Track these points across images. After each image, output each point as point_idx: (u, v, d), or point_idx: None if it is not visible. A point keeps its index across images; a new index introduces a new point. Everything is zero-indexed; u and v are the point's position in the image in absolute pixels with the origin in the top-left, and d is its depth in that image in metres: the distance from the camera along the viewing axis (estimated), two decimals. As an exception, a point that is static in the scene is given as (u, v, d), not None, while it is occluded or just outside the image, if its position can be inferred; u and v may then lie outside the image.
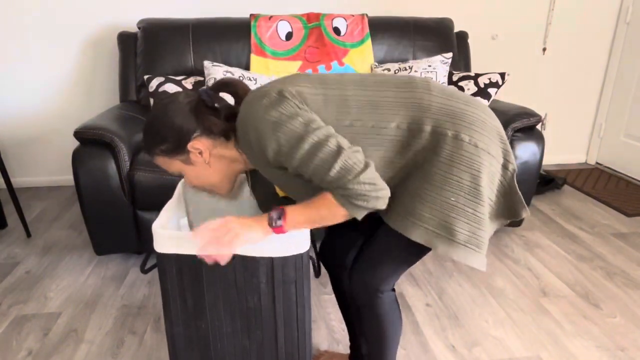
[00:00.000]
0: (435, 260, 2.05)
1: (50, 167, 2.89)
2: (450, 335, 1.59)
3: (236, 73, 2.23)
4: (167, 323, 1.04)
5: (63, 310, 1.72)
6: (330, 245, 1.24)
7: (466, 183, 0.92)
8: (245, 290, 1.00)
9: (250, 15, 2.43)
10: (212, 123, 0.98)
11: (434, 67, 2.35)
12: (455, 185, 0.92)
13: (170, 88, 2.19)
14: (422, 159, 0.94)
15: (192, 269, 0.99)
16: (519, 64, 3.04)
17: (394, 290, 1.12)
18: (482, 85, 2.27)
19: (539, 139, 2.07)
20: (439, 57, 2.40)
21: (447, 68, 2.39)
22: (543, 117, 3.18)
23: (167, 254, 0.97)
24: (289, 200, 1.20)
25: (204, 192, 1.27)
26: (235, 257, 0.96)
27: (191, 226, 1.29)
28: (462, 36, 2.65)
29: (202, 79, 2.26)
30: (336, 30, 2.43)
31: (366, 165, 0.87)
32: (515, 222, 2.23)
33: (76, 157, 1.79)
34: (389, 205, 0.96)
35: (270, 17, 2.41)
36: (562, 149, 3.30)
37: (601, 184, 2.91)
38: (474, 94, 2.26)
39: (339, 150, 0.86)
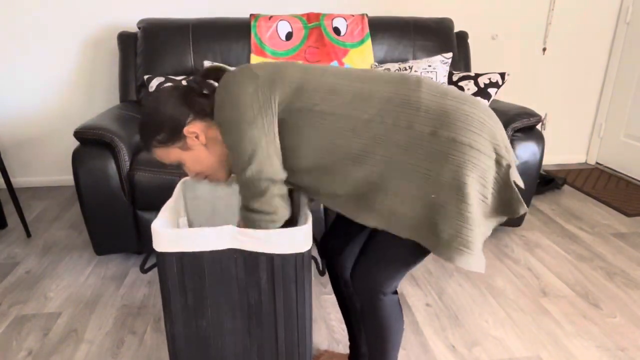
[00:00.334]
0: (435, 260, 2.05)
1: (50, 167, 2.89)
2: (450, 335, 1.59)
3: (236, 73, 2.23)
4: (167, 322, 1.04)
5: (63, 310, 1.71)
6: (330, 240, 1.24)
7: (446, 179, 0.89)
8: (246, 288, 1.00)
9: (250, 15, 2.43)
10: (203, 105, 1.01)
11: (434, 67, 2.35)
12: (433, 181, 0.90)
13: (170, 88, 2.18)
14: (401, 156, 0.92)
15: (192, 268, 0.99)
16: (518, 64, 3.04)
17: (396, 292, 1.11)
18: (482, 85, 2.27)
19: (539, 139, 2.07)
20: (439, 57, 2.40)
21: (447, 68, 2.39)
22: (543, 117, 3.18)
23: (167, 252, 0.97)
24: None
25: (204, 182, 1.27)
26: (236, 253, 0.97)
27: (190, 225, 1.29)
28: (462, 36, 2.65)
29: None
30: (336, 30, 2.43)
31: (267, 193, 0.94)
32: (515, 222, 2.23)
33: (76, 157, 1.79)
34: (372, 206, 0.95)
35: (270, 17, 2.41)
36: (562, 149, 3.30)
37: (601, 184, 2.91)
38: (474, 94, 2.26)
39: (253, 159, 0.92)
